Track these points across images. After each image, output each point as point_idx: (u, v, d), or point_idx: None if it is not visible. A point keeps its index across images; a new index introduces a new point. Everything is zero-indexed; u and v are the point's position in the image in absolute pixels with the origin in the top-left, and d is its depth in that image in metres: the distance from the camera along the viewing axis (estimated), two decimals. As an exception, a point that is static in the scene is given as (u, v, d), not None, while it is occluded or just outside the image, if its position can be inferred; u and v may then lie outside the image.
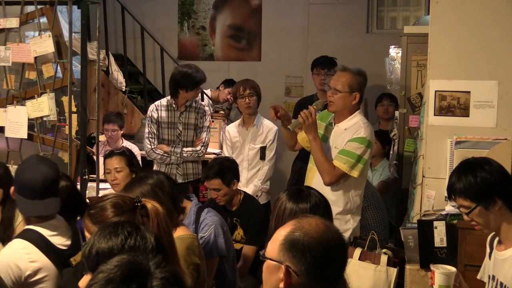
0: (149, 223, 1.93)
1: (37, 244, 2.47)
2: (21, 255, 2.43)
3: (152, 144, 4.48)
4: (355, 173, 3.33)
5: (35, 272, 2.43)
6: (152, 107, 4.58)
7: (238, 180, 3.97)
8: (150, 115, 4.52)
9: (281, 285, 1.64)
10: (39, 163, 2.59)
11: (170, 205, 2.77)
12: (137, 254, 1.35)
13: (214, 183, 3.85)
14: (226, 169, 3.87)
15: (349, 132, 3.40)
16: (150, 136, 4.49)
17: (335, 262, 1.67)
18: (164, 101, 4.57)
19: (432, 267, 2.29)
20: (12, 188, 2.62)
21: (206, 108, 4.65)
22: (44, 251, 2.47)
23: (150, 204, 2.01)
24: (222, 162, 3.94)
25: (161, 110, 4.51)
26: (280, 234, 1.69)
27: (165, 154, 4.46)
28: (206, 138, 4.56)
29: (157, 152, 4.46)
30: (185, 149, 4.47)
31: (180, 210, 2.95)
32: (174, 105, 4.48)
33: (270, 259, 1.67)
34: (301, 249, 1.63)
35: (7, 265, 2.41)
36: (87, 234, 2.06)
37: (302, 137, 3.54)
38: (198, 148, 4.51)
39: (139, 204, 2.00)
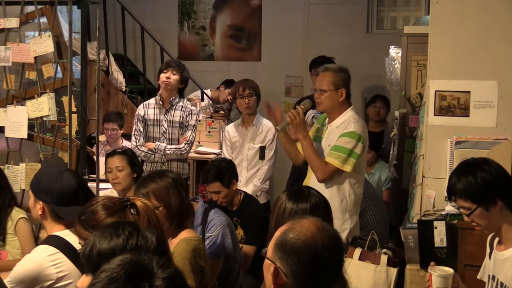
0: (139, 221, 1.93)
1: (63, 250, 2.44)
2: (45, 262, 2.40)
3: (137, 141, 4.53)
4: (347, 168, 3.34)
5: (59, 279, 2.40)
6: (140, 105, 4.67)
7: (236, 180, 3.97)
8: (138, 113, 4.60)
9: (272, 284, 1.65)
10: (63, 170, 2.61)
11: (186, 203, 2.82)
12: (140, 254, 1.34)
13: (213, 186, 3.85)
14: (224, 170, 3.87)
15: (340, 129, 3.43)
16: (136, 133, 4.56)
17: (323, 267, 1.64)
18: (152, 99, 4.63)
19: (429, 269, 2.29)
20: (41, 207, 2.56)
21: (193, 108, 4.64)
22: (70, 257, 2.44)
23: (140, 201, 2.03)
24: (219, 164, 3.93)
25: (148, 108, 4.57)
26: (276, 234, 1.70)
27: (150, 152, 4.49)
28: (191, 137, 4.54)
29: (141, 149, 4.49)
30: (168, 146, 4.48)
31: (190, 211, 2.96)
32: (160, 103, 4.52)
33: (267, 258, 1.69)
34: (288, 250, 1.64)
35: (28, 271, 2.39)
36: (81, 241, 2.06)
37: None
38: (181, 146, 4.50)
39: (128, 203, 2.01)
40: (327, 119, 3.57)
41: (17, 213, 3.25)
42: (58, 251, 2.43)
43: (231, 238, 3.42)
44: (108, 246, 1.62)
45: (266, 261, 1.69)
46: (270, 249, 1.69)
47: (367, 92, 6.46)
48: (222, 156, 4.82)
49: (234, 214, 3.96)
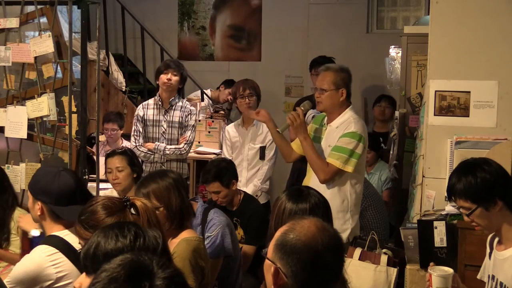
0: (139, 221, 1.94)
1: (62, 250, 2.44)
2: (44, 262, 2.40)
3: (136, 141, 4.53)
4: (349, 168, 3.34)
5: (58, 279, 2.41)
6: (140, 106, 4.68)
7: (236, 180, 3.97)
8: (137, 113, 4.60)
9: (272, 285, 1.65)
10: (60, 170, 2.62)
11: (187, 203, 2.82)
12: (141, 254, 1.34)
13: (213, 186, 3.86)
14: (224, 170, 3.87)
15: (341, 129, 3.43)
16: (135, 134, 4.56)
17: (323, 267, 1.64)
18: (151, 100, 4.64)
19: (429, 269, 2.29)
20: (39, 207, 2.57)
21: (192, 108, 4.66)
22: (70, 257, 2.44)
23: (139, 201, 2.03)
24: (219, 164, 3.93)
25: (147, 108, 4.58)
26: (276, 234, 1.70)
27: (149, 152, 4.49)
28: (190, 137, 4.55)
29: (141, 149, 4.50)
30: (168, 146, 4.49)
31: (191, 211, 2.96)
32: (160, 103, 4.52)
33: (267, 258, 1.68)
34: (288, 251, 1.63)
35: (28, 271, 2.39)
36: (81, 241, 2.06)
37: (298, 144, 3.55)
38: (181, 146, 4.51)
39: (128, 203, 2.01)
40: (325, 119, 3.57)
41: (20, 214, 3.25)
42: (57, 251, 2.43)
43: (230, 238, 3.42)
44: (115, 247, 1.61)
45: (267, 262, 1.68)
46: (270, 250, 1.69)
47: (367, 92, 6.47)
48: (222, 156, 4.82)
49: (234, 214, 3.96)
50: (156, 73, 4.58)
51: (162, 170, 3.31)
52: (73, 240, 2.42)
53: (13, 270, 2.45)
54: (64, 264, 2.42)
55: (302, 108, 3.45)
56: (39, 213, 2.57)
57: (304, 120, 3.41)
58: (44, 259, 2.40)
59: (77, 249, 2.37)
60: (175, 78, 4.48)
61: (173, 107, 4.53)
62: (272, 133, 3.64)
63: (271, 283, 1.65)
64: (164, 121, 4.53)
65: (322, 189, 3.19)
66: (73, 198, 2.56)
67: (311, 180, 3.44)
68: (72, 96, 3.60)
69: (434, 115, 3.45)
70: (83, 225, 2.02)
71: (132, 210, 2.00)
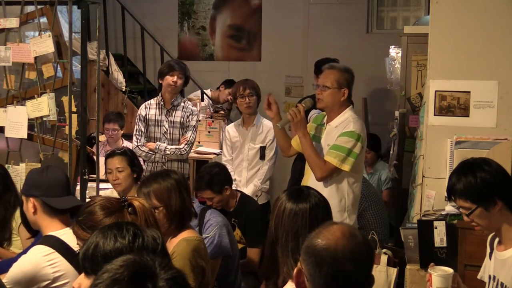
0: (137, 221, 1.94)
1: (59, 250, 2.44)
2: (41, 262, 2.40)
3: (138, 141, 4.54)
4: (346, 167, 3.34)
5: (55, 279, 2.41)
6: (142, 105, 4.68)
7: (230, 185, 3.96)
8: (139, 113, 4.61)
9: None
10: (48, 166, 2.66)
11: (188, 204, 2.82)
12: (143, 254, 1.33)
13: (205, 193, 3.88)
14: (215, 178, 3.86)
15: (340, 128, 3.43)
16: (137, 133, 4.57)
17: (342, 276, 1.59)
18: (153, 100, 4.64)
19: (429, 269, 2.29)
20: (32, 204, 2.57)
21: (194, 108, 4.66)
22: (67, 257, 2.44)
23: (137, 202, 2.03)
24: (211, 171, 3.91)
25: (149, 108, 4.58)
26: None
27: (150, 152, 4.50)
28: (191, 137, 4.55)
29: (142, 149, 4.50)
30: (168, 146, 4.49)
31: (192, 212, 2.96)
32: (161, 103, 4.53)
33: (300, 259, 1.68)
34: (309, 253, 1.63)
35: (25, 272, 2.39)
36: (79, 242, 2.06)
37: (298, 142, 3.55)
38: (181, 146, 4.51)
39: (126, 203, 2.01)
40: (325, 118, 3.57)
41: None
42: (53, 251, 2.43)
43: (228, 238, 3.42)
44: (114, 247, 1.61)
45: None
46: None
47: (367, 92, 6.46)
48: (222, 156, 4.83)
49: (232, 215, 3.97)
50: (160, 73, 4.56)
51: (165, 170, 3.30)
52: (70, 240, 2.41)
53: (10, 271, 2.44)
54: (61, 264, 2.42)
55: (303, 104, 3.46)
56: (32, 211, 2.57)
57: (305, 116, 3.41)
58: (41, 259, 2.40)
59: (74, 248, 2.38)
60: (180, 82, 4.49)
61: (175, 108, 4.53)
62: (273, 125, 3.65)
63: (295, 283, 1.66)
64: (166, 121, 4.53)
65: (319, 188, 3.19)
66: (64, 189, 2.57)
67: (310, 179, 3.44)
68: (72, 96, 3.59)
69: (434, 115, 3.45)
70: (81, 226, 2.02)
71: (130, 211, 2.00)
